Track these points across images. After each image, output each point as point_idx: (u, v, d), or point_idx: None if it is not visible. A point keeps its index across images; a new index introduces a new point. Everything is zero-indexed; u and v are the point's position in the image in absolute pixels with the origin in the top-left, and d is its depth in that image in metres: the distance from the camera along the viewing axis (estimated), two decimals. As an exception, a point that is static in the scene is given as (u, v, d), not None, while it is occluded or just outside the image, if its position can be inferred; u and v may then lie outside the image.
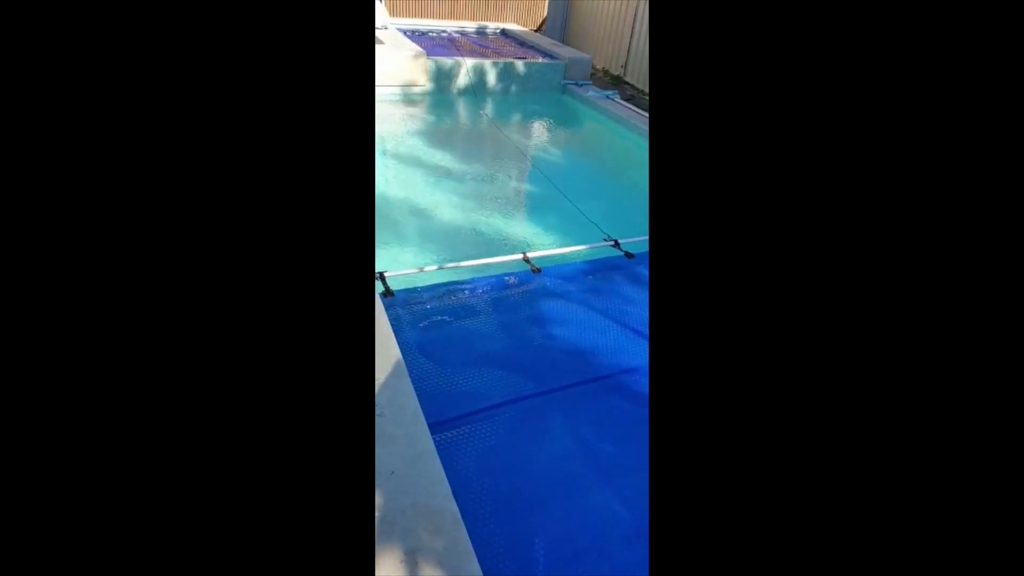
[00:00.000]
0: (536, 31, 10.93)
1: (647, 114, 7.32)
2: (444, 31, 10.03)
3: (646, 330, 3.07)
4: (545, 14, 11.28)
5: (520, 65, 8.24)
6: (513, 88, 8.24)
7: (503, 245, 4.29)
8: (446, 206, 4.88)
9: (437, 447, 2.10)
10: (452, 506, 1.88)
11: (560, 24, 11.16)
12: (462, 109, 7.64)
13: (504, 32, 10.33)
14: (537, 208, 5.08)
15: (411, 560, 1.72)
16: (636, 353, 2.92)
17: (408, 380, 2.41)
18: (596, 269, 3.55)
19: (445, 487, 1.93)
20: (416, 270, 3.32)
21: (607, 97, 7.97)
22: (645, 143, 6.60)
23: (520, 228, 4.72)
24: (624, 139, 6.97)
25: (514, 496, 2.18)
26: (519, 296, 3.24)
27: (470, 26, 10.34)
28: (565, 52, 8.80)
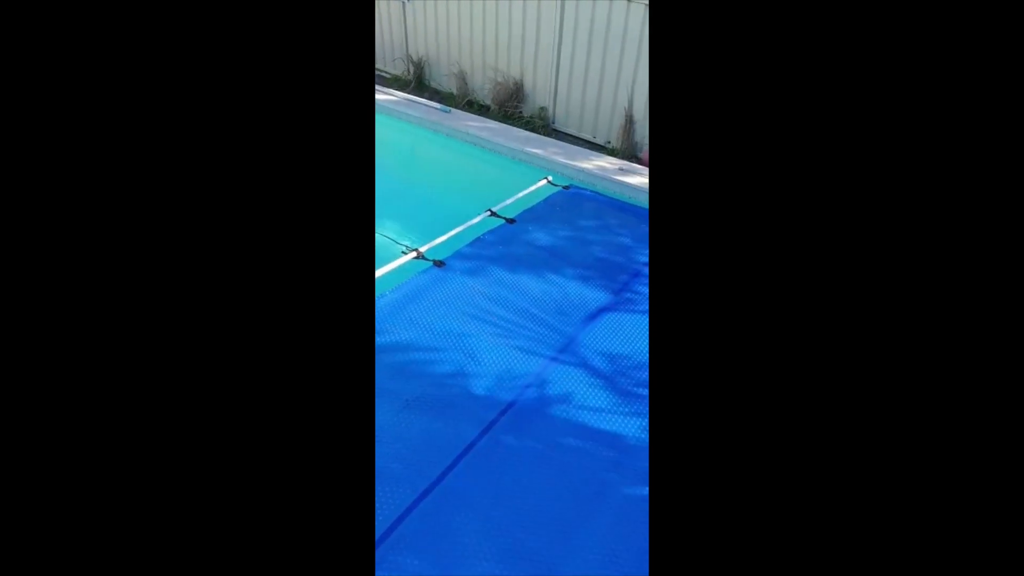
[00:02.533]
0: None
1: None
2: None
3: (482, 351, 2.62)
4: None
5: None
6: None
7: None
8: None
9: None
10: None
11: None
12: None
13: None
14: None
15: None
16: (512, 387, 2.44)
17: None
18: (414, 294, 2.88)
19: None
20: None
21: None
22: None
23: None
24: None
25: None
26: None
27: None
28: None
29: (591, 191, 4.28)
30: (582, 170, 4.48)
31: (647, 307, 2.96)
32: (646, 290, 3.09)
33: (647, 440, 2.20)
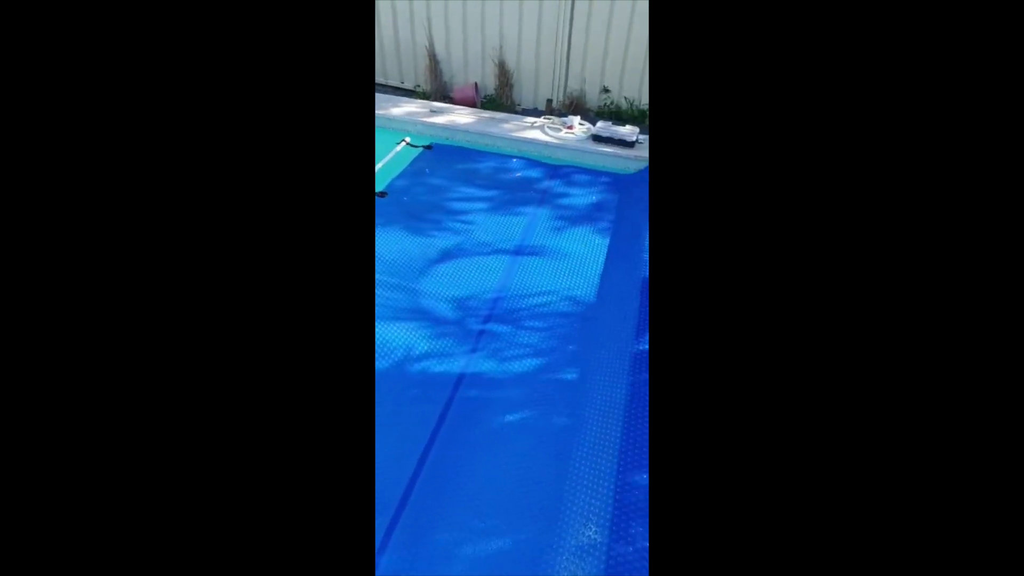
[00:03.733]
0: None
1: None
2: None
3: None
4: None
5: None
6: None
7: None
8: None
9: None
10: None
11: None
12: None
13: None
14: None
15: None
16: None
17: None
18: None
19: None
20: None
21: None
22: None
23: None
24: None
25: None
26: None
27: None
28: None
29: (455, 146, 4.29)
30: (392, 118, 4.39)
31: (551, 253, 3.14)
32: (546, 234, 3.29)
33: (593, 384, 2.27)
